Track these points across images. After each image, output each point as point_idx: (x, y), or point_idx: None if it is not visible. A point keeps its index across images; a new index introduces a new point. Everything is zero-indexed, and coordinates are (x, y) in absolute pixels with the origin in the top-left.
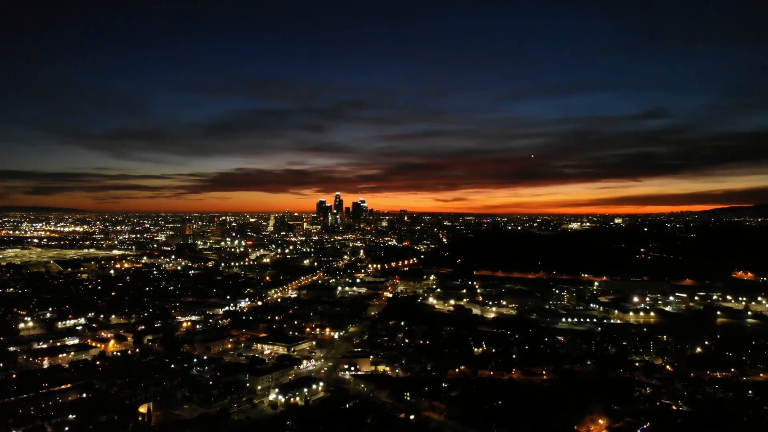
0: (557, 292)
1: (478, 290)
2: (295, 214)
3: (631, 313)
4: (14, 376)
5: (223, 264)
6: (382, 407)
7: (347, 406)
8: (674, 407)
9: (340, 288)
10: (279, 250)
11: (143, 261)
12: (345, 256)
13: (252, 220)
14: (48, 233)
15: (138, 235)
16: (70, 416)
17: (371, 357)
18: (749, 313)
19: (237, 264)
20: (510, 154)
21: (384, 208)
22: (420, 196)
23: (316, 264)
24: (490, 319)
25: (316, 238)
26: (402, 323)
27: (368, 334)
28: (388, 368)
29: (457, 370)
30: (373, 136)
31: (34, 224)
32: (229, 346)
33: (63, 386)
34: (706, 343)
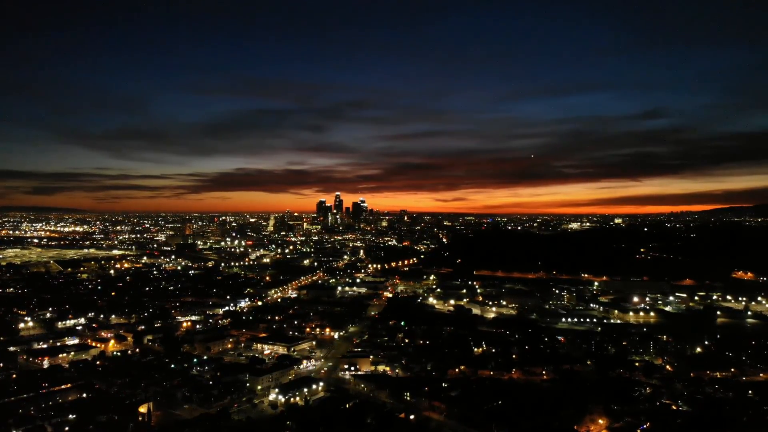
0: (557, 292)
1: (478, 290)
2: (295, 214)
3: (631, 313)
4: (14, 376)
5: (223, 264)
6: (382, 407)
7: (347, 406)
8: (674, 407)
9: (340, 288)
10: (279, 250)
11: (143, 261)
12: (345, 256)
13: (252, 220)
14: (48, 233)
15: (138, 235)
16: (70, 416)
17: (371, 357)
18: (749, 313)
19: (237, 264)
20: (510, 154)
21: (384, 208)
22: (420, 196)
23: (316, 264)
24: (490, 319)
25: (316, 238)
26: (402, 323)
27: (368, 334)
28: (388, 368)
29: (457, 370)
30: (373, 136)
31: (34, 224)
32: (229, 346)
33: (63, 386)
34: (706, 343)
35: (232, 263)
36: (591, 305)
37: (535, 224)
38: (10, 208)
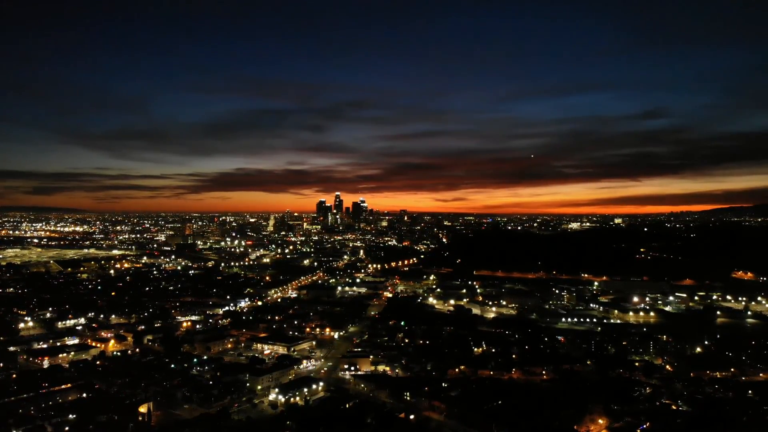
0: (557, 292)
1: (478, 290)
2: (295, 214)
3: (630, 313)
4: (14, 376)
5: (223, 264)
6: (382, 407)
7: (347, 406)
8: (674, 407)
9: (340, 288)
10: (279, 250)
11: (143, 261)
12: (345, 256)
13: (252, 220)
14: (48, 233)
15: (138, 235)
16: (70, 416)
17: (371, 357)
18: (749, 313)
19: (237, 264)
20: (510, 154)
21: (384, 208)
22: (420, 196)
23: (316, 264)
24: (490, 319)
25: (316, 238)
26: (402, 323)
27: (368, 334)
28: (388, 368)
29: (457, 370)
30: (373, 136)
31: (34, 224)
32: (229, 346)
33: (63, 386)
34: (706, 343)
35: (232, 263)
36: (591, 305)
37: (535, 224)
38: (10, 208)
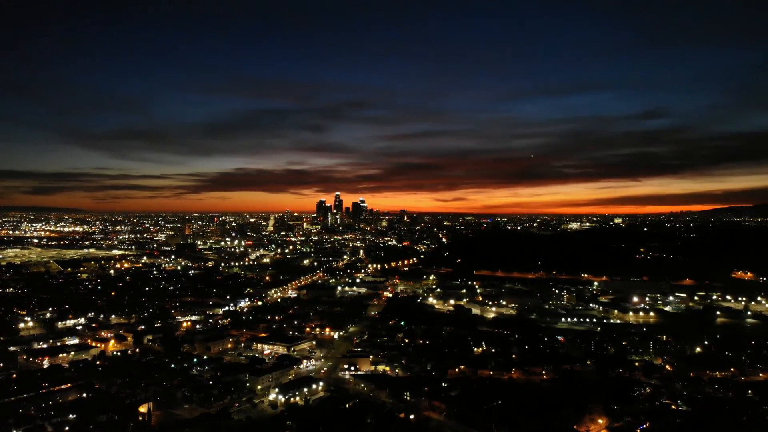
0: (557, 292)
1: (478, 290)
2: (295, 214)
3: (630, 313)
4: (14, 375)
5: (223, 264)
6: (382, 407)
7: (347, 405)
8: (674, 407)
9: (340, 288)
10: (279, 250)
11: (143, 261)
12: (345, 256)
13: (252, 220)
14: (48, 233)
15: (138, 235)
16: (71, 416)
17: (371, 357)
18: (749, 313)
19: (237, 264)
20: (510, 154)
21: (384, 208)
22: (420, 196)
23: (316, 264)
24: (490, 319)
25: (316, 238)
26: (402, 323)
27: (368, 334)
28: (388, 368)
29: (457, 369)
30: (373, 136)
31: (34, 224)
32: (229, 346)
33: (63, 386)
34: (706, 343)
35: (232, 263)
36: (591, 305)
37: (535, 224)
38: (10, 208)
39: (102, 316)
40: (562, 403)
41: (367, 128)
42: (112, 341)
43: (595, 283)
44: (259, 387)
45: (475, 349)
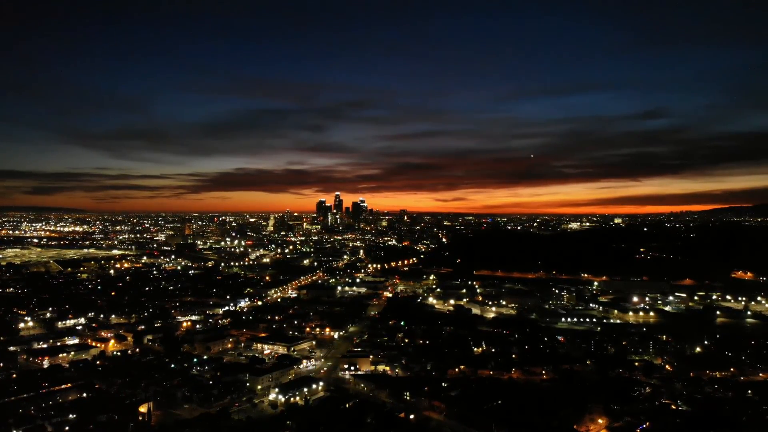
0: (557, 292)
1: (478, 290)
2: (295, 214)
3: (630, 313)
4: (14, 375)
5: (223, 264)
6: (382, 407)
7: (347, 405)
8: (673, 407)
9: (340, 288)
10: (279, 250)
11: (143, 261)
12: (345, 256)
13: (252, 220)
14: (48, 233)
15: (138, 235)
16: (71, 416)
17: (371, 357)
18: (749, 313)
19: (237, 264)
20: (510, 154)
21: (384, 208)
22: (420, 196)
23: (316, 264)
24: (490, 319)
25: (316, 238)
26: (402, 323)
27: (368, 333)
28: (388, 368)
29: (456, 369)
30: (373, 136)
31: (34, 224)
32: (229, 345)
33: (63, 386)
34: (706, 342)
35: (232, 263)
36: (591, 305)
37: (535, 224)
38: (10, 208)
39: (102, 316)
40: (562, 403)
41: (367, 128)
42: (112, 341)
43: (595, 283)
44: (259, 387)
45: (475, 349)
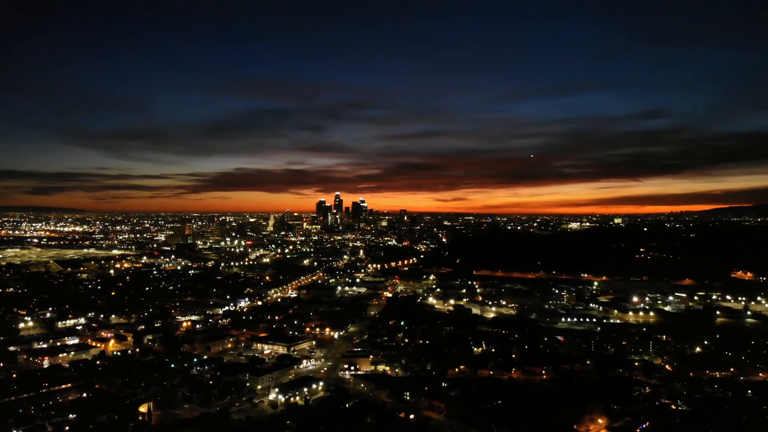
0: (557, 292)
1: (478, 290)
2: (295, 214)
3: (630, 313)
4: (14, 375)
5: (223, 264)
6: (382, 407)
7: (347, 405)
8: (673, 407)
9: (340, 288)
10: (279, 250)
11: (143, 261)
12: (345, 256)
13: (252, 220)
14: (48, 233)
15: (138, 235)
16: (71, 416)
17: (371, 357)
18: (748, 312)
19: (237, 264)
20: (510, 154)
21: (384, 208)
22: (420, 196)
23: (315, 264)
24: (490, 319)
25: (316, 238)
26: (402, 323)
27: (368, 333)
28: (387, 368)
29: (456, 369)
30: (373, 136)
31: (34, 224)
32: (229, 345)
33: (63, 386)
34: (706, 342)
35: (232, 263)
36: (591, 305)
37: (535, 224)
38: (10, 208)
39: (102, 316)
40: (562, 403)
41: (367, 128)
42: (112, 341)
43: (595, 283)
44: (259, 387)
45: (475, 349)
